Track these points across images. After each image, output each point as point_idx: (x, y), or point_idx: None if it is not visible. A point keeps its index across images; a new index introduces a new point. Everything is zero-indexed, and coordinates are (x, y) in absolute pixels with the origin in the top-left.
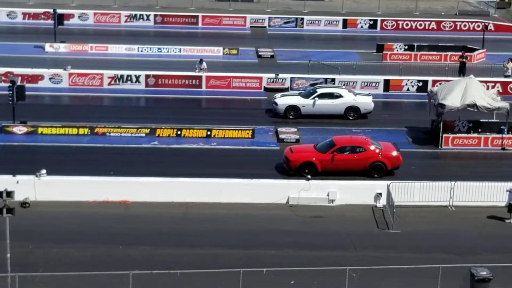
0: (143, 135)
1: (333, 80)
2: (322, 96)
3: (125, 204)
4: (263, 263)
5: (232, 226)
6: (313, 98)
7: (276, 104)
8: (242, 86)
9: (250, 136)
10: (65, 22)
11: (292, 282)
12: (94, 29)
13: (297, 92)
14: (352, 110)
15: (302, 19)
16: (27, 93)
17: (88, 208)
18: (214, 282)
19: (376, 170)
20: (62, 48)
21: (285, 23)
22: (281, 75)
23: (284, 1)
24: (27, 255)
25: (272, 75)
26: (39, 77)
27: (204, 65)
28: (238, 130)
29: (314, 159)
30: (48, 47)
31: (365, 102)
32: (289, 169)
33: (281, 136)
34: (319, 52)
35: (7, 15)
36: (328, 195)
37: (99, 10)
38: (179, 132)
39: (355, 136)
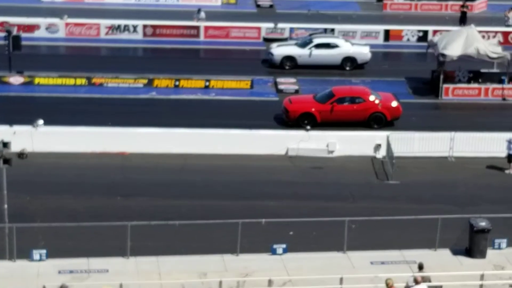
0: (141, 85)
1: (332, 30)
2: (319, 46)
3: (123, 155)
4: (262, 214)
5: (231, 177)
6: (310, 48)
7: (272, 54)
8: (240, 36)
9: (249, 87)
10: None
11: (291, 233)
12: None
13: (294, 42)
14: (349, 60)
15: None
16: (23, 43)
17: (86, 159)
18: (213, 233)
19: (376, 120)
20: None
21: None
22: (280, 25)
23: None
24: (25, 206)
25: (271, 25)
26: (35, 27)
27: (202, 14)
28: (237, 80)
29: (313, 109)
30: None
31: (362, 52)
32: (288, 120)
33: (280, 86)
34: (319, 1)
35: None
36: (327, 146)
37: None
38: (177, 83)
39: (354, 87)
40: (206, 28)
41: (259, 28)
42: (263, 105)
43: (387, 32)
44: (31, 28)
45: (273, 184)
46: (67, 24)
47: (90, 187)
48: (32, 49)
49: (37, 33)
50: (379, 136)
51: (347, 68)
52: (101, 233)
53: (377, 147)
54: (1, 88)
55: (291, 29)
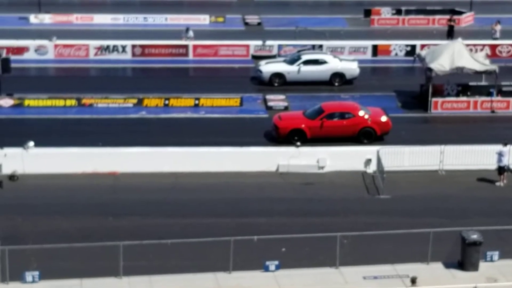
0: (131, 105)
1: (320, 46)
2: (307, 62)
3: (114, 175)
4: (254, 231)
5: (222, 194)
6: (298, 64)
7: (260, 71)
8: (229, 54)
9: (238, 104)
10: None
11: (284, 249)
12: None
13: (282, 59)
14: (338, 76)
15: None
16: (12, 65)
17: (77, 180)
18: (205, 251)
19: (366, 135)
20: (47, 19)
21: None
22: (268, 42)
23: None
24: (17, 227)
25: (260, 42)
26: (25, 49)
27: (191, 33)
28: (226, 98)
29: (303, 126)
30: (32, 18)
31: (351, 68)
32: (278, 136)
33: (270, 103)
34: (307, 18)
35: None
36: (318, 161)
37: None
38: (167, 102)
39: (344, 102)
40: (195, 46)
41: (247, 46)
42: (253, 122)
43: (375, 47)
44: (20, 50)
45: (264, 201)
46: (56, 46)
47: (82, 208)
48: (21, 71)
49: (26, 55)
50: (369, 151)
51: (336, 84)
52: (94, 254)
53: (368, 162)
54: None
55: (280, 46)
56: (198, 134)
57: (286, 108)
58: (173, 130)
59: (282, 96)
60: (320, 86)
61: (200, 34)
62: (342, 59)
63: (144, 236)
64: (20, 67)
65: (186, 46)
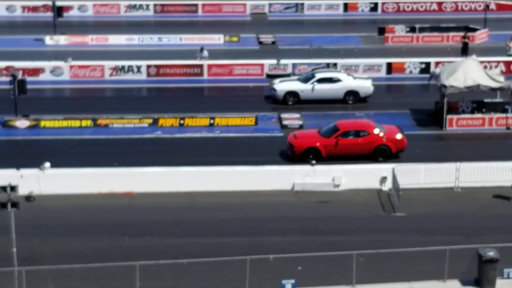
0: (146, 125)
1: (335, 64)
2: (321, 80)
3: (130, 195)
4: (269, 250)
5: (238, 214)
6: (312, 83)
7: (274, 90)
8: (244, 73)
9: (253, 123)
10: (65, 14)
11: (300, 268)
12: (94, 20)
13: (296, 77)
14: (352, 94)
15: (303, 4)
16: (28, 86)
17: (93, 200)
18: (221, 271)
19: (381, 153)
20: (62, 40)
21: (286, 8)
22: (282, 61)
23: None
24: (33, 249)
25: (274, 61)
26: (40, 70)
27: (205, 53)
28: (241, 117)
29: (318, 144)
30: (48, 39)
31: (364, 86)
32: (293, 155)
33: (285, 122)
34: (321, 36)
35: (6, 8)
36: (333, 180)
37: (98, 1)
38: (182, 121)
39: (358, 120)
40: (210, 66)
41: (262, 65)
42: (268, 141)
43: (389, 65)
44: (36, 71)
45: (280, 220)
46: (71, 67)
47: (98, 228)
48: (37, 92)
49: (42, 77)
50: (384, 168)
51: (350, 102)
52: (110, 274)
53: (383, 179)
54: (8, 132)
55: (294, 65)
56: (213, 153)
57: (301, 127)
58: (188, 150)
59: (297, 115)
60: (335, 104)
61: (215, 53)
62: (356, 77)
63: (160, 256)
64: (36, 88)
65: (200, 66)
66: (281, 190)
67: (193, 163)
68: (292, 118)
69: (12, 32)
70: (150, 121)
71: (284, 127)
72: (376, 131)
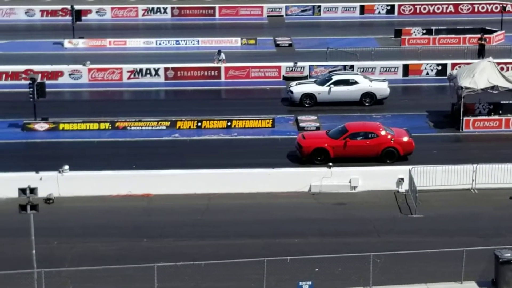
0: (164, 128)
1: (352, 66)
2: (338, 83)
3: (148, 197)
4: (287, 252)
5: (255, 215)
6: (329, 85)
7: (291, 92)
8: (261, 75)
9: (270, 126)
10: (83, 18)
11: (317, 269)
12: (112, 24)
13: (313, 80)
14: (368, 96)
15: (319, 6)
16: (47, 89)
17: (112, 202)
18: (239, 272)
19: (389, 155)
20: (81, 43)
21: (302, 11)
22: (299, 64)
23: None
24: (52, 251)
25: (291, 64)
26: (59, 74)
27: (223, 56)
28: (258, 119)
29: (326, 145)
30: (67, 43)
31: (381, 88)
32: (302, 155)
33: (302, 124)
34: (337, 39)
35: (25, 12)
36: (350, 181)
37: (116, 4)
38: (199, 124)
39: (367, 122)
40: (227, 69)
41: (279, 67)
42: (285, 143)
43: (406, 67)
44: (55, 75)
45: (297, 221)
46: (90, 70)
47: (116, 230)
48: (56, 95)
49: (61, 80)
50: (401, 170)
51: (367, 104)
52: (129, 276)
53: (400, 181)
54: (27, 135)
55: (311, 67)
56: (231, 155)
57: (317, 129)
58: (206, 152)
59: (313, 117)
60: (351, 106)
61: (232, 56)
62: (372, 79)
63: (178, 257)
64: (55, 91)
65: (218, 69)
66: (298, 192)
67: (210, 165)
68: (309, 120)
69: (31, 36)
70: (168, 123)
71: (301, 129)
72: (384, 133)
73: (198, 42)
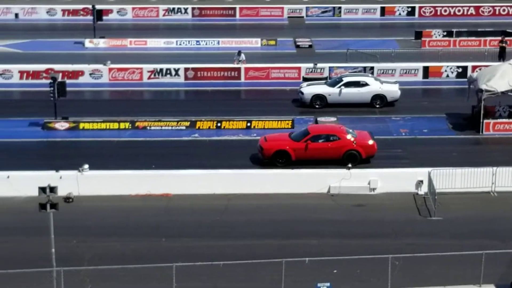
0: (184, 128)
1: (372, 68)
2: (348, 84)
3: (167, 197)
4: (305, 253)
5: (274, 216)
6: (339, 86)
7: (302, 93)
8: (280, 76)
9: (290, 126)
10: (104, 17)
11: (335, 271)
12: (133, 24)
13: (324, 81)
14: (379, 98)
15: (340, 8)
16: (68, 89)
17: (131, 202)
18: (257, 273)
19: (350, 158)
20: (102, 43)
21: (323, 12)
22: (319, 65)
23: None
24: (71, 249)
25: (311, 65)
26: (80, 73)
27: (243, 56)
28: (278, 120)
29: (287, 147)
30: (87, 42)
31: (392, 90)
32: (263, 157)
33: None
34: (358, 40)
35: (47, 12)
36: (369, 183)
37: (137, 4)
38: (219, 124)
39: (331, 125)
40: (247, 69)
41: (299, 68)
42: None
43: (426, 69)
44: (75, 74)
45: (315, 223)
46: (110, 70)
47: (135, 229)
48: (76, 94)
49: (81, 79)
50: (420, 172)
51: (377, 106)
52: (147, 275)
53: (419, 183)
54: (47, 134)
55: (331, 69)
56: (250, 156)
57: None
58: (225, 152)
59: (333, 118)
60: (369, 108)
61: (252, 57)
62: (383, 81)
63: (196, 257)
64: (75, 90)
65: (238, 69)
66: (317, 193)
67: (229, 165)
68: (328, 122)
69: (52, 35)
70: (188, 123)
71: None
72: (346, 136)
73: (218, 42)
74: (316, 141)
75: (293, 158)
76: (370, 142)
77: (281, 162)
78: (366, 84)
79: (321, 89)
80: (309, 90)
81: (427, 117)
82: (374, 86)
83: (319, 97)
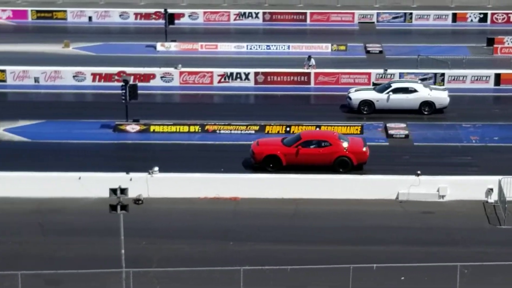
0: (253, 132)
1: (442, 74)
2: (397, 90)
3: (236, 201)
4: (372, 259)
5: (342, 222)
6: (387, 92)
7: (350, 98)
8: (350, 82)
9: (359, 132)
10: (176, 21)
11: (403, 278)
12: (204, 28)
13: (372, 86)
14: (427, 105)
15: (411, 13)
16: (139, 91)
17: (199, 205)
18: (324, 278)
19: (341, 165)
20: (173, 47)
21: (394, 18)
22: (389, 71)
23: None
24: (140, 251)
25: (381, 71)
26: (151, 76)
27: (313, 61)
28: (347, 126)
29: (278, 152)
30: (159, 46)
31: (440, 97)
32: (254, 161)
33: (390, 132)
34: (429, 46)
35: (120, 15)
36: (438, 190)
37: (209, 9)
38: (288, 129)
39: (323, 131)
40: (317, 74)
41: (369, 74)
42: (373, 150)
43: (498, 76)
44: (147, 77)
45: (383, 229)
46: (181, 73)
47: (203, 232)
48: (147, 97)
49: (152, 82)
50: (491, 180)
51: (425, 113)
52: (214, 278)
53: (489, 191)
54: (118, 136)
55: (401, 75)
56: None
57: (406, 136)
58: None
59: (403, 125)
60: (440, 114)
61: (322, 62)
62: (432, 88)
63: (263, 261)
64: (147, 93)
65: (308, 74)
66: (386, 199)
67: (298, 170)
68: (398, 128)
69: (125, 38)
70: (257, 128)
71: (389, 136)
72: (338, 142)
73: (288, 47)
74: (308, 146)
75: (284, 163)
76: (362, 148)
77: (272, 167)
78: (414, 91)
79: (369, 94)
80: (357, 95)
81: (498, 124)
82: (422, 93)
83: (366, 103)
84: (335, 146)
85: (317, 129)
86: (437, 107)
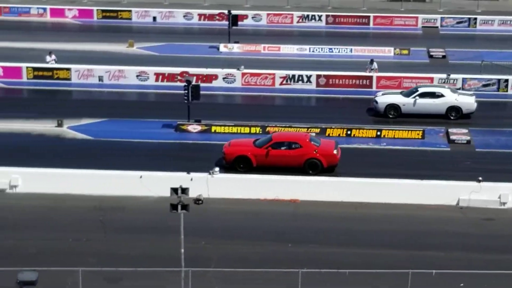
0: (314, 134)
1: (506, 81)
2: (423, 95)
3: (295, 203)
4: (431, 265)
5: (401, 226)
6: (414, 97)
7: (376, 102)
8: (413, 86)
9: (420, 137)
10: (239, 23)
11: (462, 284)
12: (267, 30)
13: (399, 91)
14: (454, 110)
15: (475, 19)
16: (201, 92)
17: (258, 206)
18: (382, 283)
19: (311, 166)
20: (236, 48)
21: (458, 23)
22: (452, 76)
23: (456, 1)
24: (200, 250)
25: (444, 76)
26: (213, 77)
27: (375, 65)
28: (408, 130)
29: (249, 153)
30: (222, 47)
31: (467, 102)
32: (225, 162)
33: (452, 137)
34: (493, 52)
35: (184, 16)
36: (499, 197)
37: (272, 11)
38: (349, 132)
39: (295, 133)
40: (379, 78)
41: (431, 79)
42: (434, 156)
43: None
44: (209, 78)
45: (443, 235)
46: (243, 74)
47: (262, 233)
48: (209, 98)
49: (214, 83)
50: None
51: (452, 118)
52: (272, 280)
53: None
54: (180, 136)
55: (464, 80)
56: (379, 165)
57: (468, 142)
58: (354, 161)
59: (465, 130)
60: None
61: (384, 66)
62: (460, 93)
63: (321, 264)
64: (209, 94)
65: (370, 78)
66: (446, 205)
67: (357, 173)
68: (460, 134)
69: (188, 39)
70: (318, 130)
71: (451, 142)
72: (308, 144)
73: (351, 50)
74: (278, 148)
75: (254, 164)
76: (333, 151)
77: (242, 167)
78: (441, 96)
79: (396, 98)
80: (383, 99)
81: None
82: (449, 98)
83: (393, 107)
84: (305, 148)
85: (378, 133)
86: (464, 112)
